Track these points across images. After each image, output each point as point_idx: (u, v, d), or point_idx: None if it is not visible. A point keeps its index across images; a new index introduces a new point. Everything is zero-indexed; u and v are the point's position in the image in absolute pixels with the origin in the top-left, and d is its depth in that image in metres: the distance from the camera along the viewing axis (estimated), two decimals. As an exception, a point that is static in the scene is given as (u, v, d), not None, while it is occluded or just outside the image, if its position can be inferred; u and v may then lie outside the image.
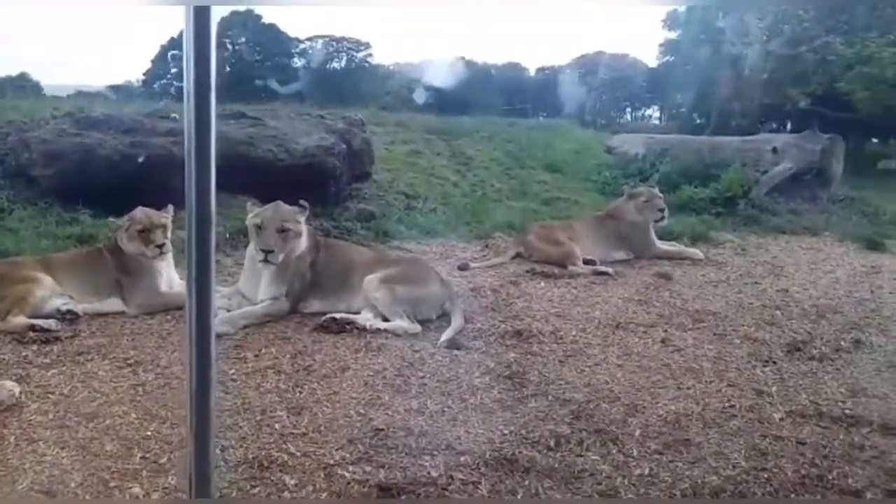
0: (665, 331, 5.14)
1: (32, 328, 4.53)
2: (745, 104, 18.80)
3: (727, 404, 3.88)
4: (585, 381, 4.14)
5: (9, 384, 3.62)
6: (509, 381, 4.09)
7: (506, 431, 3.47)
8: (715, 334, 5.11)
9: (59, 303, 4.87)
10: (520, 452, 3.25)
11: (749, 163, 11.58)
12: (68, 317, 4.80)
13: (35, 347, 4.35)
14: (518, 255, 7.27)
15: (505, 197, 10.77)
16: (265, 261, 4.99)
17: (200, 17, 1.35)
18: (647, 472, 3.15)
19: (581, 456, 3.26)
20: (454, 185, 10.94)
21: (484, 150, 13.31)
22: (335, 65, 44.86)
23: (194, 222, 1.45)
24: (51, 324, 4.60)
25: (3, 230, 6.58)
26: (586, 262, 6.98)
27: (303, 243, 5.24)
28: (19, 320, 4.58)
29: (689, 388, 4.09)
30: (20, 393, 3.60)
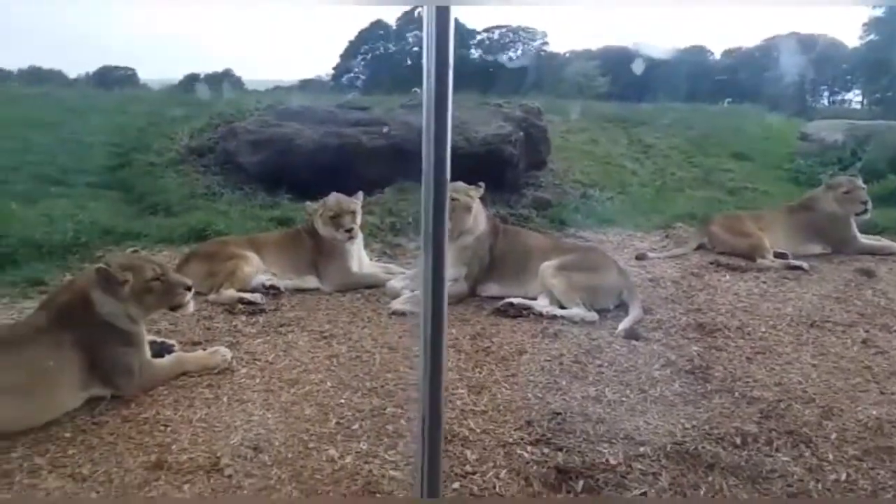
0: (866, 331, 4.74)
1: (241, 301, 5.00)
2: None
3: (940, 413, 3.53)
4: (776, 380, 3.93)
5: (222, 350, 4.03)
6: (691, 376, 3.97)
7: (688, 426, 3.38)
8: (926, 337, 4.65)
9: (263, 279, 5.33)
10: (703, 448, 3.16)
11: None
12: (271, 291, 5.24)
13: (243, 318, 4.80)
14: (701, 247, 6.99)
15: (686, 186, 10.36)
16: None
17: (441, 16, 1.43)
18: (843, 477, 2.95)
19: (770, 456, 3.11)
20: (632, 173, 10.68)
21: (664, 138, 12.86)
22: (511, 54, 45.10)
23: (431, 213, 1.54)
24: (256, 297, 5.05)
25: (215, 212, 7.30)
26: (777, 255, 6.57)
27: (480, 223, 5.35)
28: (230, 293, 5.06)
29: (893, 394, 3.77)
30: (231, 358, 4.01)
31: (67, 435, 3.22)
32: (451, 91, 1.47)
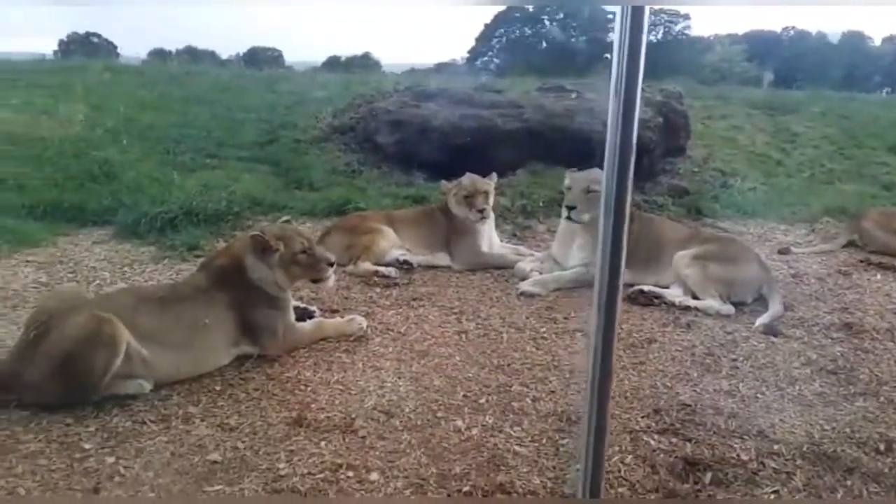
0: None
1: (376, 274, 5.21)
2: None
3: None
4: (928, 388, 3.68)
5: (358, 318, 4.24)
6: (834, 377, 3.79)
7: (827, 427, 3.25)
8: None
9: (397, 253, 5.50)
10: (842, 451, 3.03)
11: None
12: (405, 266, 5.41)
13: (378, 290, 5.01)
14: (850, 243, 6.59)
15: (836, 178, 9.72)
16: (568, 218, 5.18)
17: (636, 15, 1.47)
18: None
19: (918, 466, 2.94)
20: (777, 163, 10.14)
21: (815, 127, 12.09)
22: (651, 37, 43.71)
23: (613, 205, 1.61)
24: (391, 271, 5.24)
25: (354, 188, 7.60)
26: (936, 256, 6.10)
27: None
28: (366, 266, 5.28)
29: None
30: (367, 327, 4.20)
31: (218, 388, 3.49)
32: (640, 85, 1.54)
